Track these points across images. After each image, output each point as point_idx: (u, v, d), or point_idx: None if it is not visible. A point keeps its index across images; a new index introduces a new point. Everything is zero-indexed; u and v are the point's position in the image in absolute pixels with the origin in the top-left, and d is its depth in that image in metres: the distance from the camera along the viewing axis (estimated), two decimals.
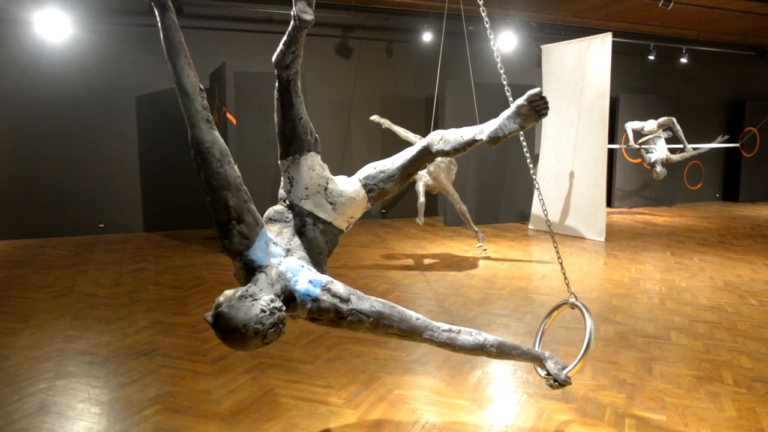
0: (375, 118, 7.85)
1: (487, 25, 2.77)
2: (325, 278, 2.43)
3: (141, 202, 9.49)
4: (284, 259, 2.41)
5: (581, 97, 9.03)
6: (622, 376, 3.70)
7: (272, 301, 2.20)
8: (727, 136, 11.83)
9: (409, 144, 7.52)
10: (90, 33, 8.84)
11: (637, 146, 10.82)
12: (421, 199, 7.65)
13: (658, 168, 10.60)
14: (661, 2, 7.70)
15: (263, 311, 2.15)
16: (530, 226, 10.01)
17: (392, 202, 11.14)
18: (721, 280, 6.32)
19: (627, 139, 10.93)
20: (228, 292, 2.24)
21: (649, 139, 10.78)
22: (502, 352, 2.62)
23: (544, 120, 9.28)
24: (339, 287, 2.41)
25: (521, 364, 3.79)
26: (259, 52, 9.57)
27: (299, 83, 2.58)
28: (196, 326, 4.70)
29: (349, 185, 2.70)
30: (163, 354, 4.10)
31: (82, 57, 8.84)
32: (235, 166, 2.31)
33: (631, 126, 10.86)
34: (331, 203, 2.63)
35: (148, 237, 9.07)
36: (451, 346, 2.53)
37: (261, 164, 8.73)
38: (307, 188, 2.61)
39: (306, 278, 2.38)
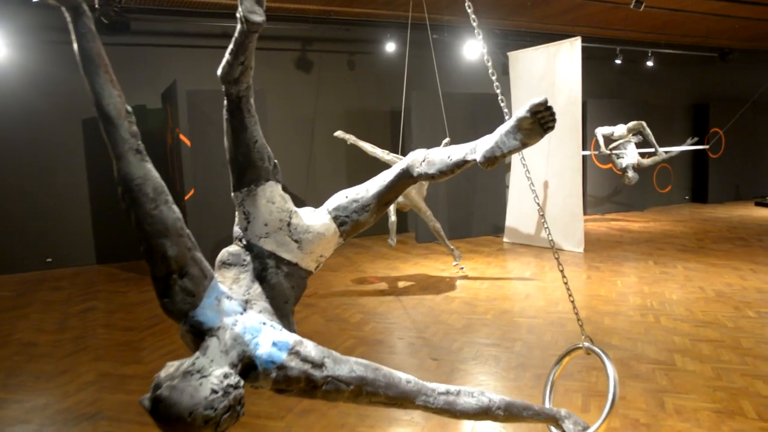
0: (339, 133, 7.35)
1: (474, 24, 2.37)
2: (292, 338, 1.96)
3: (92, 232, 8.82)
4: (241, 316, 1.93)
5: (552, 104, 8.67)
6: (633, 415, 3.30)
7: (225, 376, 1.73)
8: (696, 138, 11.74)
9: (378, 162, 7.10)
10: (26, 51, 8.15)
11: (609, 152, 10.64)
12: (392, 218, 7.21)
13: (630, 173, 10.43)
14: (633, 4, 7.47)
15: (214, 392, 1.68)
16: (505, 239, 9.66)
17: None
18: (711, 291, 6.03)
19: (598, 145, 10.74)
20: (171, 366, 1.76)
21: (619, 144, 10.61)
22: (510, 414, 2.18)
23: None
24: (310, 349, 1.94)
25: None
26: (213, 69, 8.85)
27: (252, 100, 2.11)
28: (149, 377, 4.13)
29: (316, 219, 2.24)
30: (109, 417, 3.54)
31: (17, 79, 8.15)
32: (174, 207, 1.83)
33: (601, 132, 10.68)
34: (296, 241, 2.17)
35: (100, 270, 8.41)
36: (451, 412, 2.07)
37: (219, 190, 8.12)
38: (266, 225, 2.15)
39: (269, 340, 1.92)
